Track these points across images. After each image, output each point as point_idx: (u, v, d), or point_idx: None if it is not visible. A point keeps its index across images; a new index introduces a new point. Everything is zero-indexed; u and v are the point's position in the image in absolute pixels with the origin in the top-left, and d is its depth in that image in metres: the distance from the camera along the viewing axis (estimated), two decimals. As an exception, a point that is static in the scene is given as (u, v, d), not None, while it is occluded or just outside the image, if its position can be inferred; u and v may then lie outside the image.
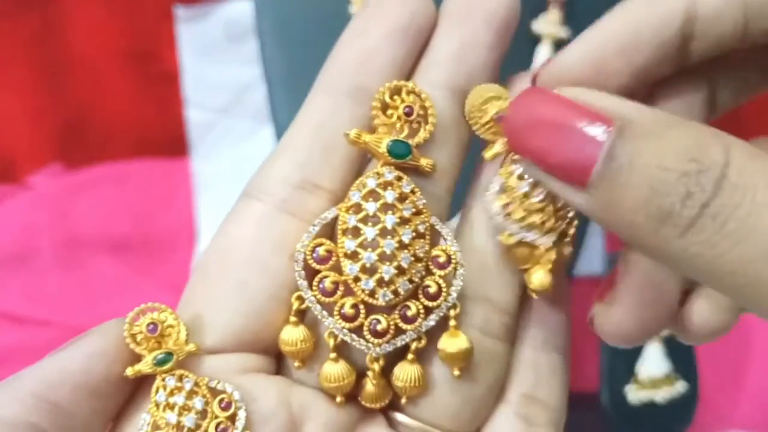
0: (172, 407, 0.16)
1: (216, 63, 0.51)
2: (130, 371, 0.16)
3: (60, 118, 0.54)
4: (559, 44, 0.34)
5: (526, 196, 0.18)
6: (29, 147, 0.55)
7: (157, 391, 0.16)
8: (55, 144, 0.55)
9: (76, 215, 0.52)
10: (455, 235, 0.19)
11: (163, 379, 0.16)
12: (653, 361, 0.36)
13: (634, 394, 0.36)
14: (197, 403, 0.16)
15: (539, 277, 0.18)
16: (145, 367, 0.16)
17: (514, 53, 0.20)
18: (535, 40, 0.35)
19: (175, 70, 0.51)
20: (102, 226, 0.52)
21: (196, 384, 0.16)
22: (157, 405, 0.16)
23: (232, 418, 0.16)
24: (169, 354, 0.16)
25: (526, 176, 0.18)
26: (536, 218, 0.18)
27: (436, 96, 0.18)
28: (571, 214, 0.18)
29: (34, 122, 0.54)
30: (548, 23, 0.34)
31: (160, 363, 0.16)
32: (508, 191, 0.18)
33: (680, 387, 0.37)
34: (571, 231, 0.19)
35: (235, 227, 0.18)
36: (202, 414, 0.16)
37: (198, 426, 0.16)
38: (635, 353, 0.36)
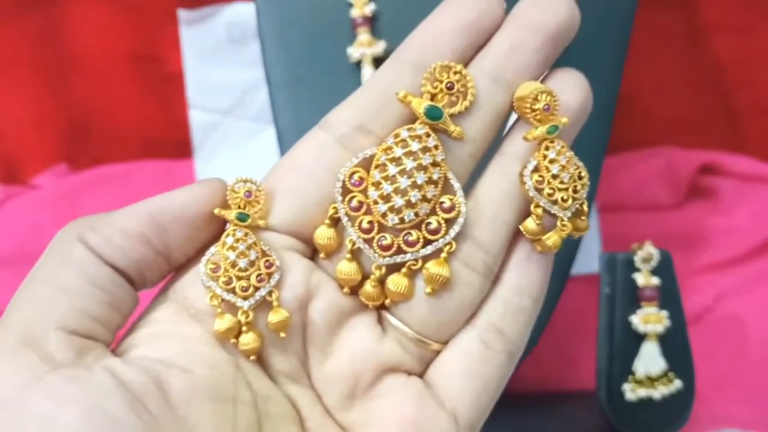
0: (233, 249, 0.21)
1: (219, 65, 0.51)
2: (217, 211, 0.21)
3: (65, 119, 0.54)
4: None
5: (555, 177, 0.22)
6: (34, 148, 0.55)
7: (227, 235, 0.21)
8: (60, 145, 0.55)
9: (81, 215, 0.52)
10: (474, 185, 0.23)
11: (235, 229, 0.21)
12: (650, 359, 0.37)
13: (632, 392, 0.37)
14: (252, 254, 0.21)
15: (553, 239, 0.22)
16: (229, 215, 0.21)
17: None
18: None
19: (179, 72, 0.51)
20: (106, 226, 0.52)
21: (255, 242, 0.22)
22: (224, 244, 0.21)
23: (269, 276, 0.21)
24: (247, 215, 0.21)
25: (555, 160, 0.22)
26: (560, 195, 0.22)
27: (481, 80, 0.22)
28: (585, 195, 0.23)
29: (39, 123, 0.55)
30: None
31: (239, 217, 0.21)
32: (541, 170, 0.22)
33: (677, 385, 0.37)
34: (585, 209, 0.23)
35: (304, 145, 0.23)
36: (251, 264, 0.21)
37: (245, 269, 0.21)
38: (632, 351, 0.37)
